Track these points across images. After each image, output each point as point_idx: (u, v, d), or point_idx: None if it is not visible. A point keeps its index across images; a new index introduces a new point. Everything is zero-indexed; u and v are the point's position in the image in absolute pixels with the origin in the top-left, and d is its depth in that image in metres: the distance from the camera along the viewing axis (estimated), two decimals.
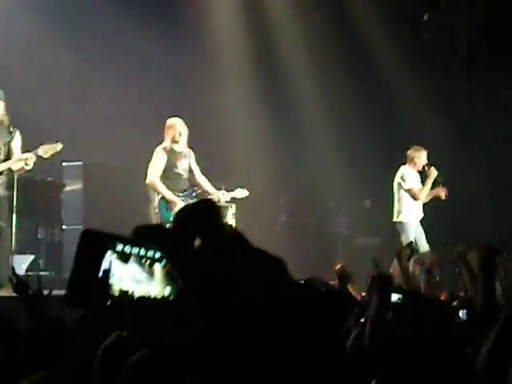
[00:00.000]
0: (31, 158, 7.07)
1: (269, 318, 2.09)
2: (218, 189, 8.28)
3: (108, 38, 10.96)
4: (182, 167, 7.92)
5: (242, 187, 8.44)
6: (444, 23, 10.80)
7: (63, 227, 9.65)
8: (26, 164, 7.08)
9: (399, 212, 9.20)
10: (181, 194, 7.88)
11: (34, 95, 9.89)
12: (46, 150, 7.17)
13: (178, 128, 7.87)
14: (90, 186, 10.02)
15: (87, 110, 10.77)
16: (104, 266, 2.12)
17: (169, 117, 8.02)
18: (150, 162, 7.88)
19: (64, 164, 9.85)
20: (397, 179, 9.21)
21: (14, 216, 7.54)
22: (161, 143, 7.96)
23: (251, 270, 2.16)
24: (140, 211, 9.19)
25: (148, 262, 2.19)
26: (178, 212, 2.34)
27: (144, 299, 2.15)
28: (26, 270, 8.89)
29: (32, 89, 9.90)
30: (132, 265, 2.15)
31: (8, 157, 7.17)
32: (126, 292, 2.14)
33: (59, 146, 7.27)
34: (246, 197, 8.49)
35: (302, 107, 11.78)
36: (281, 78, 11.65)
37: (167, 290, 2.19)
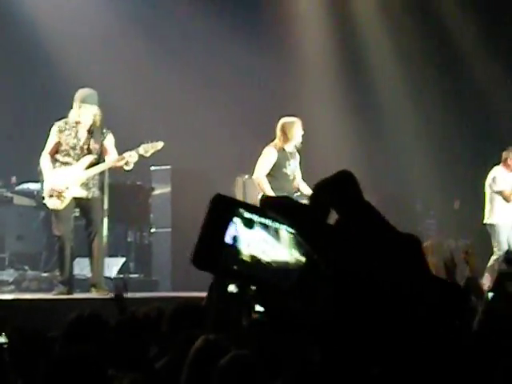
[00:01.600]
0: (133, 156, 7.14)
1: (401, 304, 2.06)
2: None
3: (197, 44, 11.11)
4: (290, 168, 7.78)
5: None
6: None
7: (152, 230, 9.82)
8: (126, 164, 7.16)
9: (490, 213, 9.02)
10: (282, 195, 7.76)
11: (121, 99, 10.10)
12: (147, 149, 7.25)
13: (292, 128, 7.72)
14: (178, 190, 10.15)
15: (174, 113, 10.92)
16: (231, 231, 2.14)
17: (283, 116, 7.82)
18: (259, 157, 7.72)
19: (152, 168, 10.01)
20: (488, 180, 9.04)
21: (106, 219, 7.70)
22: (271, 141, 7.78)
23: (388, 249, 2.14)
24: None
25: (274, 227, 2.19)
26: (317, 183, 2.33)
27: (273, 264, 2.15)
28: (117, 273, 9.09)
29: (120, 93, 10.11)
30: (258, 230, 2.16)
31: (101, 157, 7.24)
32: (255, 257, 2.15)
33: (160, 144, 7.33)
34: None
35: (389, 108, 11.66)
36: (366, 78, 11.55)
37: (295, 254, 2.19)
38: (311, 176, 9.98)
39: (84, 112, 7.14)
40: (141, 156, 7.23)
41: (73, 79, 8.92)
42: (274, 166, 7.69)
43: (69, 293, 7.09)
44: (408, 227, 11.59)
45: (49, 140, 7.25)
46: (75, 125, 7.18)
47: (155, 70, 10.66)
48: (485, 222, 9.08)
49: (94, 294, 7.08)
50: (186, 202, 10.04)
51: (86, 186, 7.19)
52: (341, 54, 11.54)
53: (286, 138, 7.70)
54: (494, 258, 8.86)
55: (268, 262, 2.15)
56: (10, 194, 9.24)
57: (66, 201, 7.15)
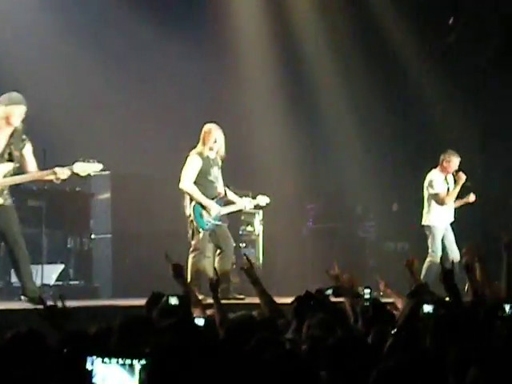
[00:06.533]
0: (66, 173, 6.76)
1: None
2: (242, 196, 8.29)
3: (133, 46, 11.03)
4: (213, 174, 7.87)
5: (262, 194, 8.44)
6: (469, 26, 10.74)
7: (92, 236, 9.72)
8: (56, 179, 6.78)
9: (427, 215, 9.18)
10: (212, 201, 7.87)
11: (59, 105, 9.98)
12: (84, 169, 6.88)
13: (214, 134, 7.81)
14: (117, 195, 10.08)
15: (112, 118, 10.84)
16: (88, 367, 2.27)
17: (206, 122, 7.93)
18: (183, 166, 7.80)
19: (92, 174, 9.90)
20: (426, 183, 9.21)
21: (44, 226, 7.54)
22: (192, 148, 7.87)
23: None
24: (166, 218, 9.23)
25: (128, 363, 2.33)
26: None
27: None
28: (56, 280, 8.97)
29: (57, 98, 9.98)
30: (114, 365, 2.30)
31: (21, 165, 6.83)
32: None
33: (98, 167, 6.98)
34: (270, 203, 8.50)
35: (327, 111, 11.76)
36: (306, 81, 11.63)
37: None
38: (255, 182, 10.05)
39: (14, 112, 6.71)
40: (75, 174, 6.86)
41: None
42: (198, 173, 7.76)
43: None
44: (348, 229, 11.81)
45: None
46: None
47: (94, 74, 10.55)
48: (422, 223, 9.23)
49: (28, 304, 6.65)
50: (126, 208, 9.98)
51: (1, 193, 6.77)
52: (281, 55, 11.58)
53: (207, 144, 7.79)
54: (428, 259, 9.00)
55: None
56: None
57: None
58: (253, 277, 5.03)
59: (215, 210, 7.79)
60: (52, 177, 6.82)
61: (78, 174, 6.90)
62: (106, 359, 2.27)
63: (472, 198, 9.25)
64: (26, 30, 10.16)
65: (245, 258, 5.42)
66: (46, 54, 10.30)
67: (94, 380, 2.27)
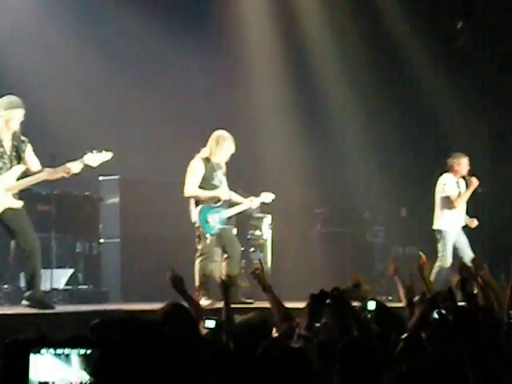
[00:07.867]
0: (78, 166, 6.75)
1: None
2: (245, 197, 8.26)
3: (144, 53, 11.08)
4: (217, 179, 7.90)
5: (266, 191, 8.41)
6: (478, 30, 10.72)
7: (101, 241, 9.75)
8: (67, 173, 6.77)
9: (439, 220, 9.14)
10: (217, 205, 7.88)
11: (67, 110, 10.01)
12: (95, 159, 6.85)
13: (224, 143, 7.83)
14: (126, 200, 10.10)
15: (121, 124, 10.87)
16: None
17: (216, 128, 7.96)
18: (186, 172, 7.83)
19: (101, 178, 9.95)
20: (438, 186, 9.18)
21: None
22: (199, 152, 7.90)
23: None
24: (175, 223, 9.25)
25: (65, 353, 2.30)
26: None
27: None
28: (65, 284, 8.99)
29: (66, 103, 10.01)
30: (48, 355, 2.27)
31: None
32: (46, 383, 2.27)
33: (108, 155, 6.93)
34: (279, 207, 8.47)
35: (336, 117, 11.76)
36: (315, 87, 11.64)
37: (85, 376, 2.31)
38: (263, 187, 10.06)
39: (13, 116, 6.74)
40: (87, 166, 6.86)
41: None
42: (202, 178, 7.79)
43: None
44: (356, 234, 11.79)
45: None
46: None
47: (103, 80, 10.58)
48: (433, 227, 9.20)
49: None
50: (135, 212, 10.01)
51: (16, 196, 6.80)
52: (290, 60, 11.59)
53: (217, 150, 7.81)
54: (437, 264, 8.96)
55: None
56: None
57: None
58: (263, 283, 5.00)
59: (224, 195, 7.83)
60: (64, 173, 6.81)
61: (89, 166, 6.87)
62: (42, 351, 2.23)
63: (475, 223, 9.21)
64: (35, 38, 10.18)
65: (258, 262, 5.40)
66: (57, 62, 10.33)
67: (30, 374, 2.24)
